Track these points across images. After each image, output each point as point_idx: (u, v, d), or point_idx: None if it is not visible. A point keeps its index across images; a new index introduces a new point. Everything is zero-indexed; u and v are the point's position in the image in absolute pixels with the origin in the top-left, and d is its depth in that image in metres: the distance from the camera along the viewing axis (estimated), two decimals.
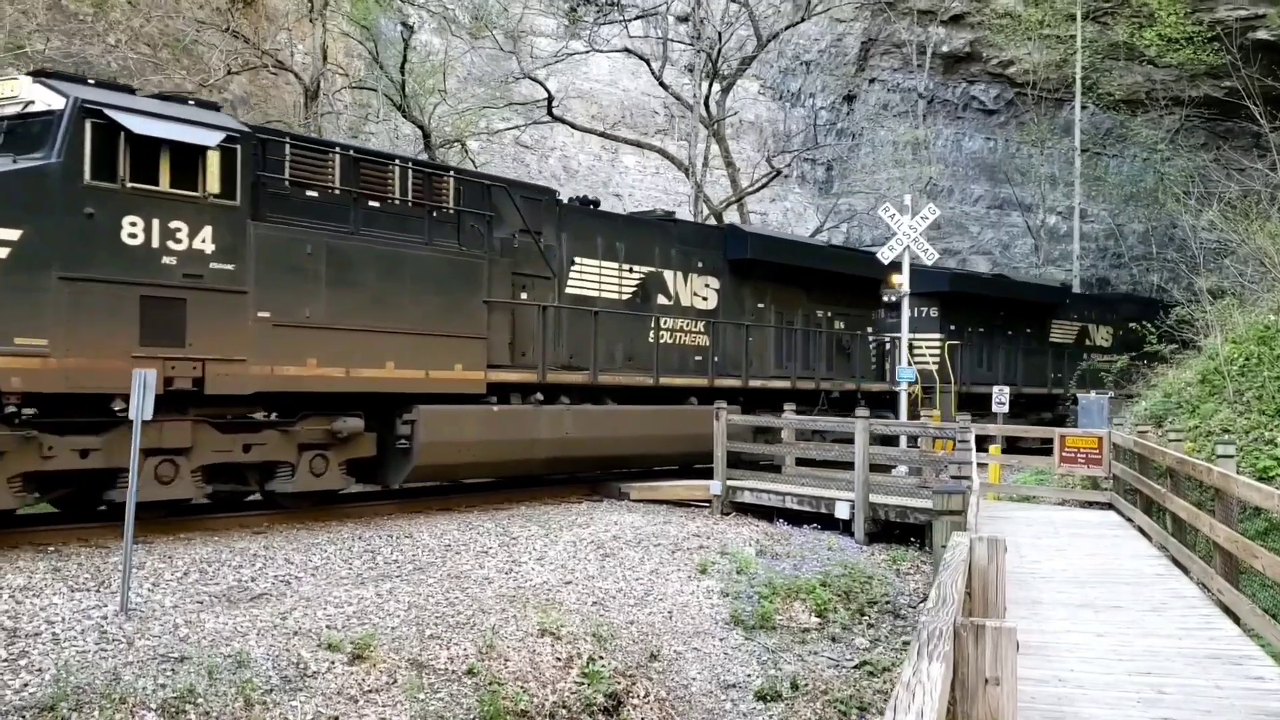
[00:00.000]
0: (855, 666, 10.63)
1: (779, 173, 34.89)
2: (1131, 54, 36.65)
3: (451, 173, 14.55)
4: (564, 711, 8.69)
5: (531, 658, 9.11)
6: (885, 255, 20.44)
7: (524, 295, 14.94)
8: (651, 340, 16.75)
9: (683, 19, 36.62)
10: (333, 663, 8.18)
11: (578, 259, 16.02)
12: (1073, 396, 26.03)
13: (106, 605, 8.56)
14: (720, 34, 31.98)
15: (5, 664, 7.28)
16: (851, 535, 14.13)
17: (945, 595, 3.40)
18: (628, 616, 10.56)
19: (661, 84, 32.66)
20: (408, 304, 13.03)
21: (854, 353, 21.03)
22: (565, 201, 16.41)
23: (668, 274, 17.47)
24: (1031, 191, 42.75)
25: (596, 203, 17.70)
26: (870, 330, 22.18)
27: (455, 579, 10.65)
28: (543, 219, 15.33)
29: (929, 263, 21.28)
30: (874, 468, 14.90)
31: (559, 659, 9.23)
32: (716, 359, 17.89)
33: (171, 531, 11.29)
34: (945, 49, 43.07)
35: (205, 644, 8.03)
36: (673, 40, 34.98)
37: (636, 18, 34.63)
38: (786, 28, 34.55)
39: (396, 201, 13.35)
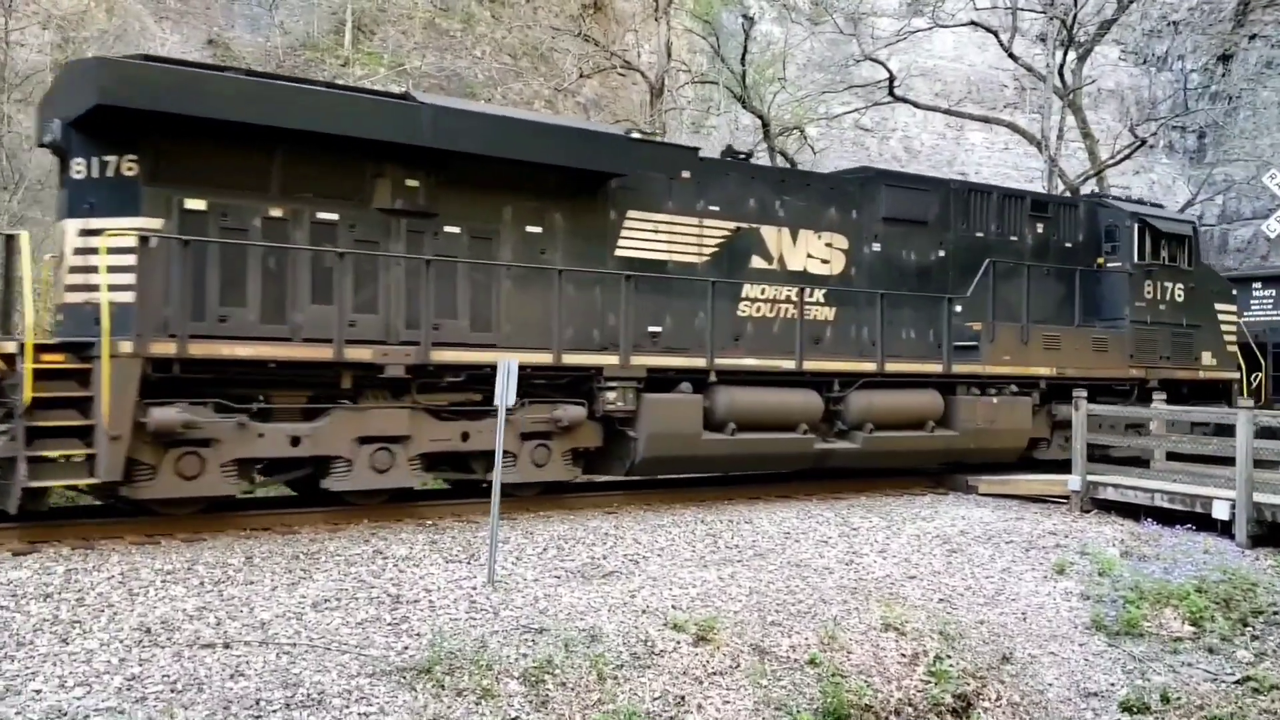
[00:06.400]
0: (1237, 682, 9.64)
1: (1143, 142, 32.22)
2: None
3: None
4: (910, 709, 8.46)
5: (875, 652, 8.94)
6: (1274, 228, 17.93)
7: None
8: None
9: None
10: (678, 643, 8.39)
11: None
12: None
13: (475, 577, 9.24)
14: None
15: (390, 627, 8.02)
16: (1231, 537, 12.81)
17: None
18: (977, 616, 10.12)
19: (1011, 55, 31.05)
20: None
21: None
22: None
23: None
24: None
25: None
26: None
27: (795, 567, 10.64)
28: None
29: None
30: (1258, 464, 13.41)
31: (904, 655, 9.00)
32: None
33: (533, 510, 12.06)
34: None
35: (562, 617, 8.48)
36: (1023, 9, 33.12)
37: None
38: None
39: None
